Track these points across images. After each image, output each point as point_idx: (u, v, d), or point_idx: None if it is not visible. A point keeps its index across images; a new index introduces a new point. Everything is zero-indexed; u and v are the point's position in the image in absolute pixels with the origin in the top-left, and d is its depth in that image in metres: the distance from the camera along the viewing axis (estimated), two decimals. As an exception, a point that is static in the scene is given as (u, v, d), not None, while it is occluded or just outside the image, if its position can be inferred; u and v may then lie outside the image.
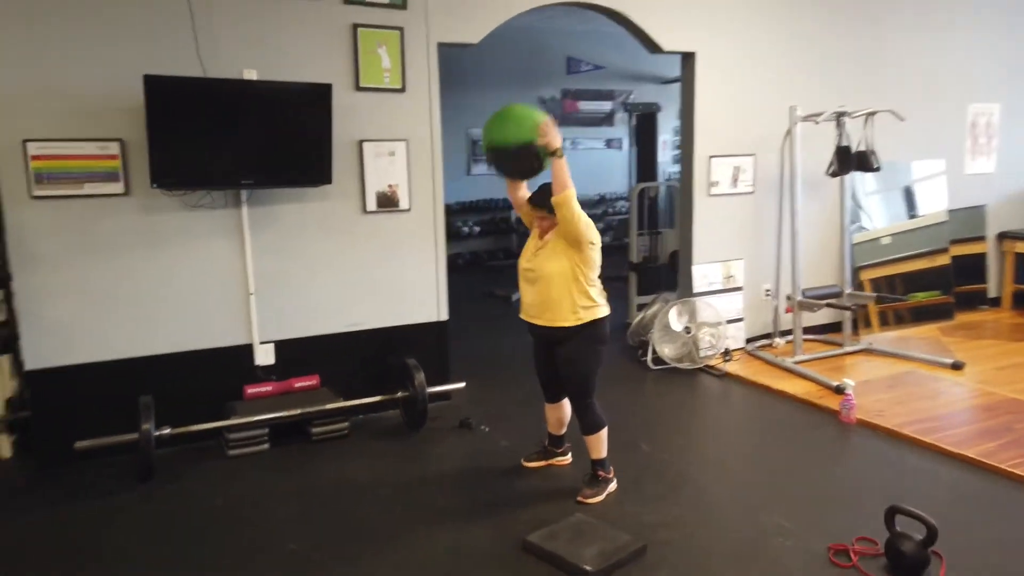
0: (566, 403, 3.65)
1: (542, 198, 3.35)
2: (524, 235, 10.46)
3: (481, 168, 10.75)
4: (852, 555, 2.91)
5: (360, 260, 4.45)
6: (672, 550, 3.01)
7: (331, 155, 4.10)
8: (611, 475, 3.53)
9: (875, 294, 5.67)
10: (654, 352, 5.39)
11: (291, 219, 4.26)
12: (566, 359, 3.44)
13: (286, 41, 4.11)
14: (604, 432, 3.50)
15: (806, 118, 5.22)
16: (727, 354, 5.29)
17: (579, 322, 3.36)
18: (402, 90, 4.42)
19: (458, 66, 10.15)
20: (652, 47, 5.24)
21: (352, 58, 4.27)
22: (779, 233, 5.73)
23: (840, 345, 5.66)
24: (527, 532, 3.08)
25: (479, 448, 4.08)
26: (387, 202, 4.47)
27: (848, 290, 5.60)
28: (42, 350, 3.81)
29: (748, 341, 5.80)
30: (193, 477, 3.77)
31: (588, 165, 11.62)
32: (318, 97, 3.99)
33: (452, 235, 10.24)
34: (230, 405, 4.11)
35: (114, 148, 3.81)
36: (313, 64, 4.17)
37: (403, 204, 4.51)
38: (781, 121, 5.42)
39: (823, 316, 5.98)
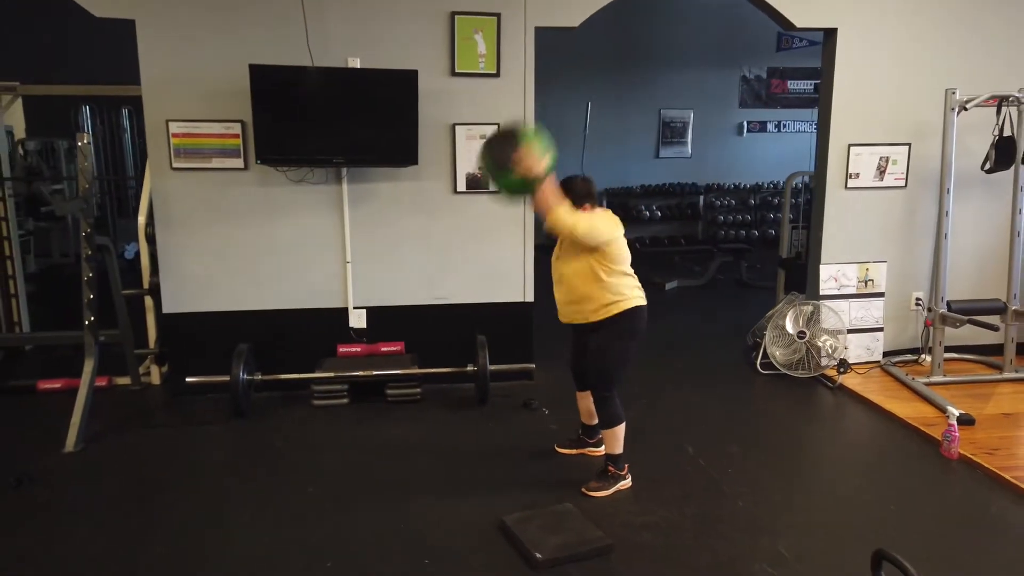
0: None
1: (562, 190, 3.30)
2: (712, 223, 10.07)
3: (671, 151, 10.49)
4: (831, 597, 2.61)
5: (448, 238, 4.70)
6: (643, 555, 2.91)
7: (417, 137, 4.36)
8: (624, 472, 3.44)
9: (1046, 313, 4.75)
10: (764, 355, 5.03)
11: (386, 196, 4.61)
12: (592, 349, 3.41)
13: (388, 30, 4.43)
14: (621, 428, 3.42)
15: (964, 104, 4.49)
16: (843, 365, 4.78)
17: (608, 315, 3.32)
18: (497, 75, 4.56)
19: (649, 42, 9.95)
20: (783, 23, 4.82)
21: (449, 44, 4.49)
22: (938, 236, 5.00)
23: (999, 370, 4.85)
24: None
25: (529, 429, 4.17)
26: (477, 184, 4.65)
27: (1015, 305, 4.75)
28: (176, 297, 4.56)
29: (887, 355, 5.16)
30: (274, 419, 4.31)
31: (795, 149, 10.79)
32: (405, 83, 4.27)
33: (632, 219, 10.14)
34: (322, 360, 4.60)
35: (236, 128, 4.41)
36: (412, 51, 4.45)
37: (492, 186, 4.65)
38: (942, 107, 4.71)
39: (997, 335, 5.13)
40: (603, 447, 3.76)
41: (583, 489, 3.38)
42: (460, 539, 3.03)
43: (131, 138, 9.70)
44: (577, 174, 3.39)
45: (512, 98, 4.60)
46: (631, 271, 3.39)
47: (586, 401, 3.71)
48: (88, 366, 4.14)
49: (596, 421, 3.73)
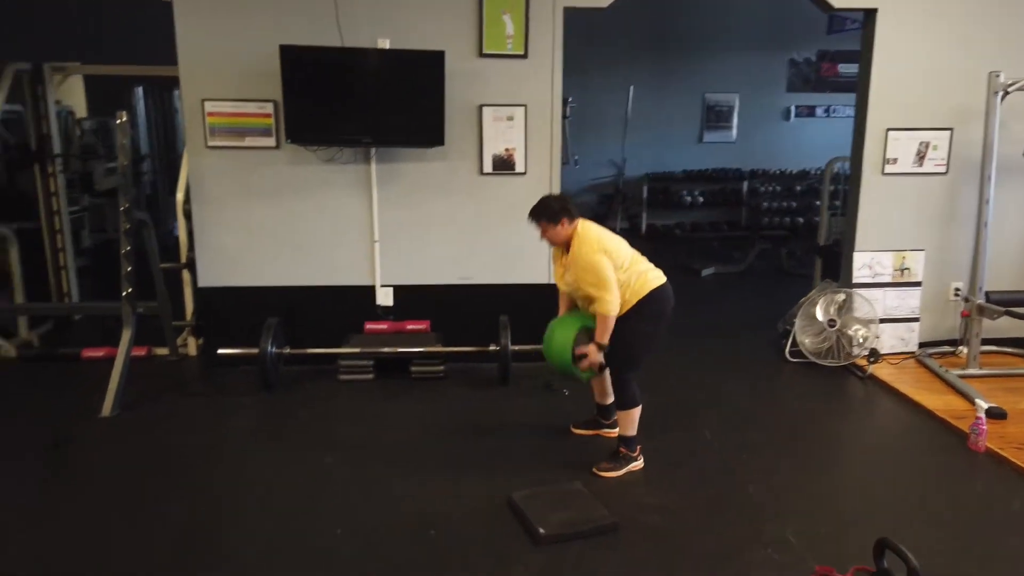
0: (608, 373, 3.63)
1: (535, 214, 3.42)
2: (756, 209, 9.89)
3: (715, 135, 10.31)
4: (832, 584, 2.59)
5: (474, 218, 4.73)
6: (647, 535, 2.92)
7: (443, 118, 4.40)
8: (636, 454, 3.45)
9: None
10: (794, 343, 4.95)
11: (413, 176, 4.66)
12: (618, 335, 3.41)
13: (417, 11, 4.46)
14: (637, 411, 3.43)
15: (1008, 87, 4.33)
16: (873, 355, 4.67)
17: (628, 308, 3.35)
18: (524, 56, 4.55)
19: (693, 24, 9.77)
20: (821, 4, 4.71)
21: (477, 25, 4.50)
22: (979, 224, 4.84)
23: (1042, 363, 4.69)
24: (524, 491, 3.19)
25: (547, 409, 4.19)
26: (503, 165, 4.67)
27: (1060, 298, 4.58)
28: (210, 271, 4.70)
29: (923, 346, 5.03)
30: (301, 392, 4.43)
31: (845, 135, 10.48)
32: (431, 64, 4.30)
33: (673, 204, 10.01)
34: (349, 336, 4.70)
35: (269, 108, 4.51)
36: (440, 32, 4.47)
37: (519, 168, 4.68)
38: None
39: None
40: (618, 428, 3.77)
41: (594, 469, 3.40)
42: (468, 513, 3.09)
43: (182, 118, 9.95)
44: (548, 195, 3.46)
45: (540, 79, 4.59)
46: (638, 259, 3.41)
47: (600, 382, 3.72)
48: (125, 335, 4.31)
49: (611, 401, 3.74)
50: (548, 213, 3.34)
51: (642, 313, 3.34)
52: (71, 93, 9.16)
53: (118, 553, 2.79)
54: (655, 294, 3.34)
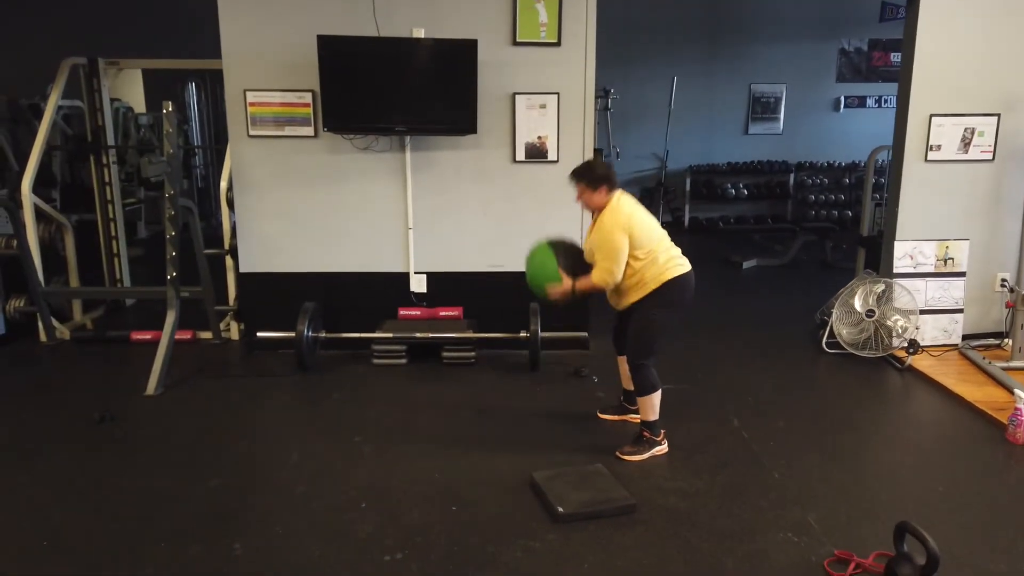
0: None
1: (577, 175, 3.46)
2: (802, 203, 9.70)
3: (761, 127, 10.16)
4: (851, 567, 2.56)
5: (506, 206, 4.78)
6: (665, 516, 2.93)
7: (476, 106, 4.45)
8: (659, 438, 3.45)
9: None
10: (831, 334, 4.87)
11: (447, 164, 4.73)
12: (632, 322, 3.46)
13: (451, 0, 4.53)
14: (656, 395, 3.43)
15: (1058, 69, 4.19)
16: (912, 346, 4.56)
17: (646, 293, 3.37)
18: (557, 44, 4.58)
19: (740, 12, 9.66)
20: (861, -12, 4.61)
21: (511, 14, 4.54)
22: (1028, 212, 4.71)
23: (1093, 357, 4.52)
24: (547, 472, 3.23)
25: (576, 395, 4.22)
26: (536, 153, 4.70)
27: (1112, 289, 4.41)
28: (251, 257, 4.84)
29: (966, 338, 4.89)
30: (336, 374, 4.53)
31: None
32: (464, 52, 4.36)
33: (716, 197, 9.92)
34: (383, 322, 4.79)
35: (308, 97, 4.62)
36: (475, 20, 4.53)
37: (551, 156, 4.71)
38: (1037, 73, 4.42)
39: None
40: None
41: (617, 453, 3.42)
42: (490, 491, 3.13)
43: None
44: (592, 159, 3.48)
45: (573, 67, 4.61)
46: (664, 242, 3.41)
47: (626, 366, 3.72)
48: (169, 318, 4.48)
49: (635, 387, 3.75)
50: (590, 177, 3.39)
51: (658, 299, 3.34)
52: (130, 89, 9.50)
53: (157, 521, 2.92)
54: (676, 282, 3.34)
